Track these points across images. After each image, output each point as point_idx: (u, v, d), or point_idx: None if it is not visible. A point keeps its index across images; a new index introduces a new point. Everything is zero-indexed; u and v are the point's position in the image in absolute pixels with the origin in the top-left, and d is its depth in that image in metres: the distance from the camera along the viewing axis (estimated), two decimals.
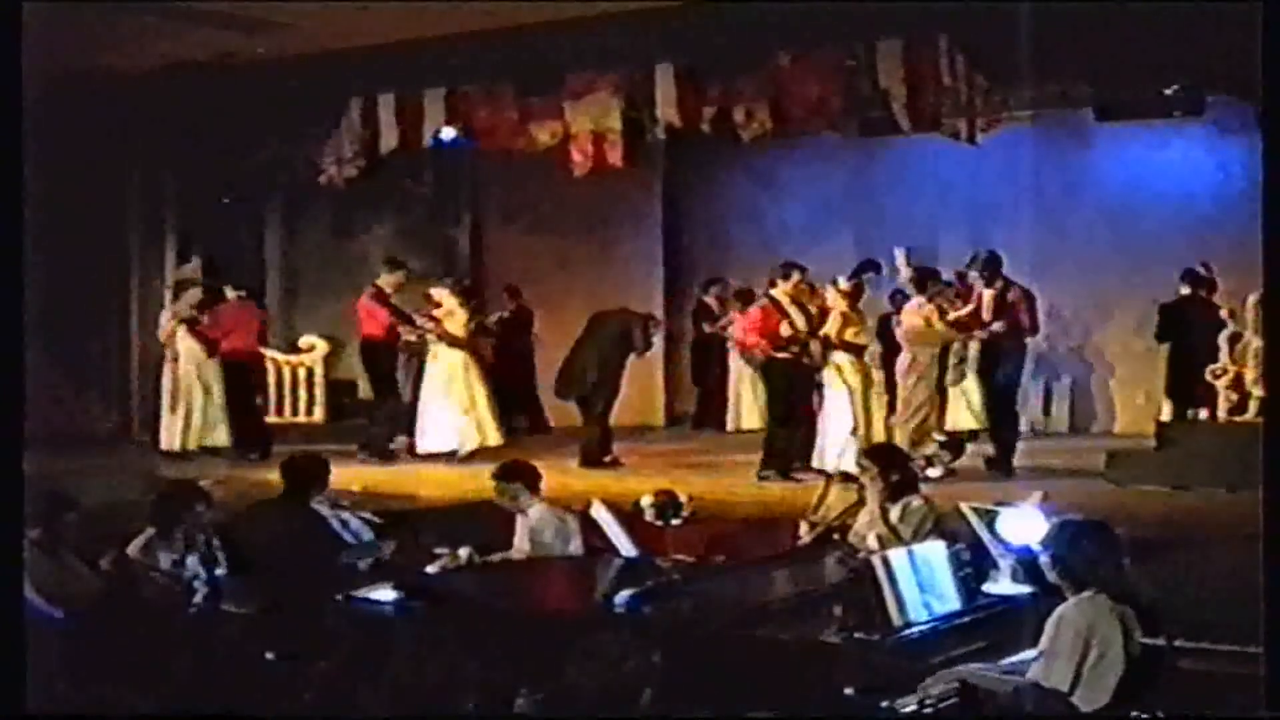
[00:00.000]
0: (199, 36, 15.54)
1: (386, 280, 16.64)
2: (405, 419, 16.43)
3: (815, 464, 14.54)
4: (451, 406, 16.14)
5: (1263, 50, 6.69)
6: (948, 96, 14.34)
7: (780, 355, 14.96)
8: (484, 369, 16.69)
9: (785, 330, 14.88)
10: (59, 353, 16.09)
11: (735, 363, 18.81)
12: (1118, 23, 13.12)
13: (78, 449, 15.29)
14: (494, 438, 16.16)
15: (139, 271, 18.72)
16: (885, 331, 18.44)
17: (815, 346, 14.74)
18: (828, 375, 14.66)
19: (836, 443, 14.42)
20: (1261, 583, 6.33)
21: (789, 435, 14.93)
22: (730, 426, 19.03)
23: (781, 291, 15.06)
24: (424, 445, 16.24)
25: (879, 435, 14.08)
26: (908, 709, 6.74)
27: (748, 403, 18.83)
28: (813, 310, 14.89)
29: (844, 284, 14.94)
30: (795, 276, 15.12)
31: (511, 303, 18.89)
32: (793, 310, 14.92)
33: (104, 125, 16.72)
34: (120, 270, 18.62)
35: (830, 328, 14.67)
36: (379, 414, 16.85)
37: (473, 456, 15.77)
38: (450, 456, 16.01)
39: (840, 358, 14.63)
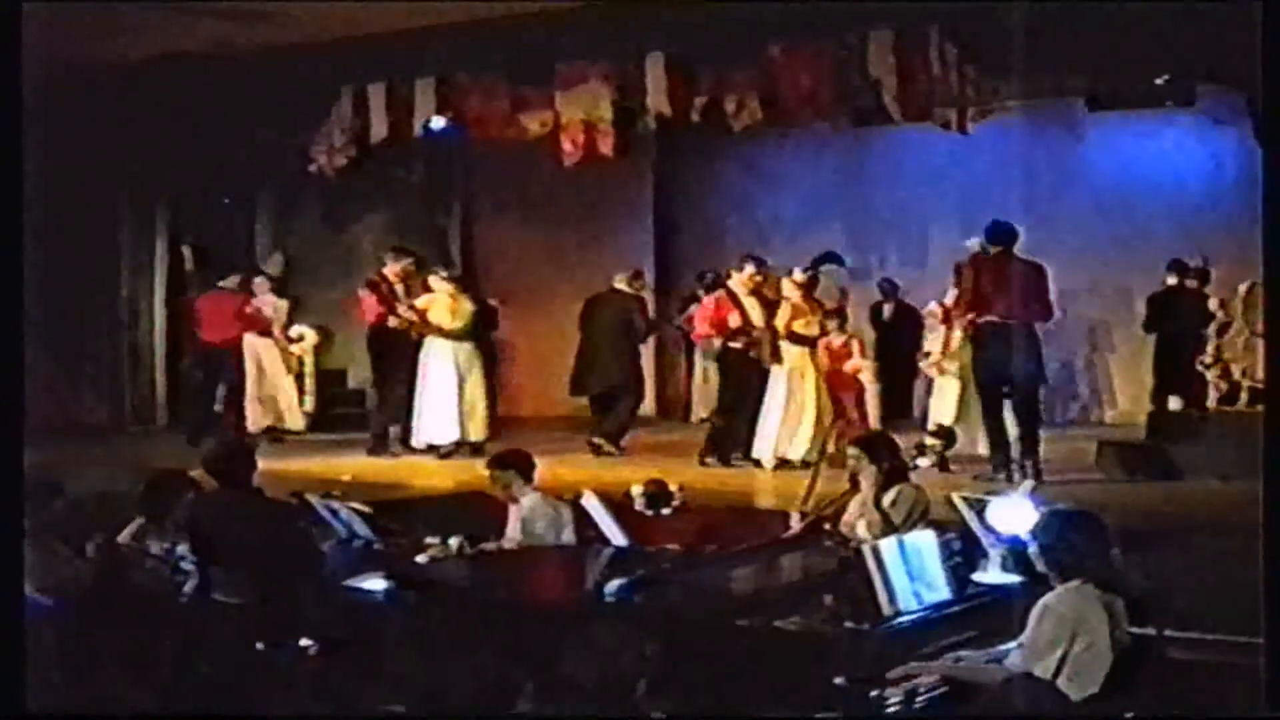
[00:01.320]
0: (189, 26, 15.50)
1: (391, 268, 16.65)
2: (402, 409, 16.38)
3: (754, 454, 14.79)
4: (439, 399, 16.07)
5: (1262, 41, 6.67)
6: (939, 86, 14.31)
7: (732, 345, 15.12)
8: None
9: (734, 321, 15.01)
10: (52, 342, 16.07)
11: (697, 354, 18.94)
12: (1109, 13, 13.11)
13: (70, 438, 15.29)
14: (476, 433, 16.12)
15: (130, 261, 18.70)
16: (876, 320, 18.53)
17: (757, 335, 14.91)
18: (775, 366, 14.81)
19: (769, 433, 14.67)
20: (1261, 577, 6.32)
21: (730, 424, 15.19)
22: (693, 417, 19.20)
23: (738, 282, 15.22)
24: (417, 439, 16.16)
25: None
26: (896, 699, 6.74)
27: (700, 393, 19.10)
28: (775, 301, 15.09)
29: (798, 275, 15.06)
30: (749, 268, 15.27)
31: None
32: (749, 302, 15.03)
33: (94, 115, 16.70)
34: (111, 259, 18.59)
35: (779, 319, 14.78)
36: (379, 404, 16.84)
37: (456, 450, 15.79)
38: (435, 450, 15.97)
39: (789, 349, 14.71)
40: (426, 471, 14.89)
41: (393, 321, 16.25)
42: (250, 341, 17.48)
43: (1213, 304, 15.21)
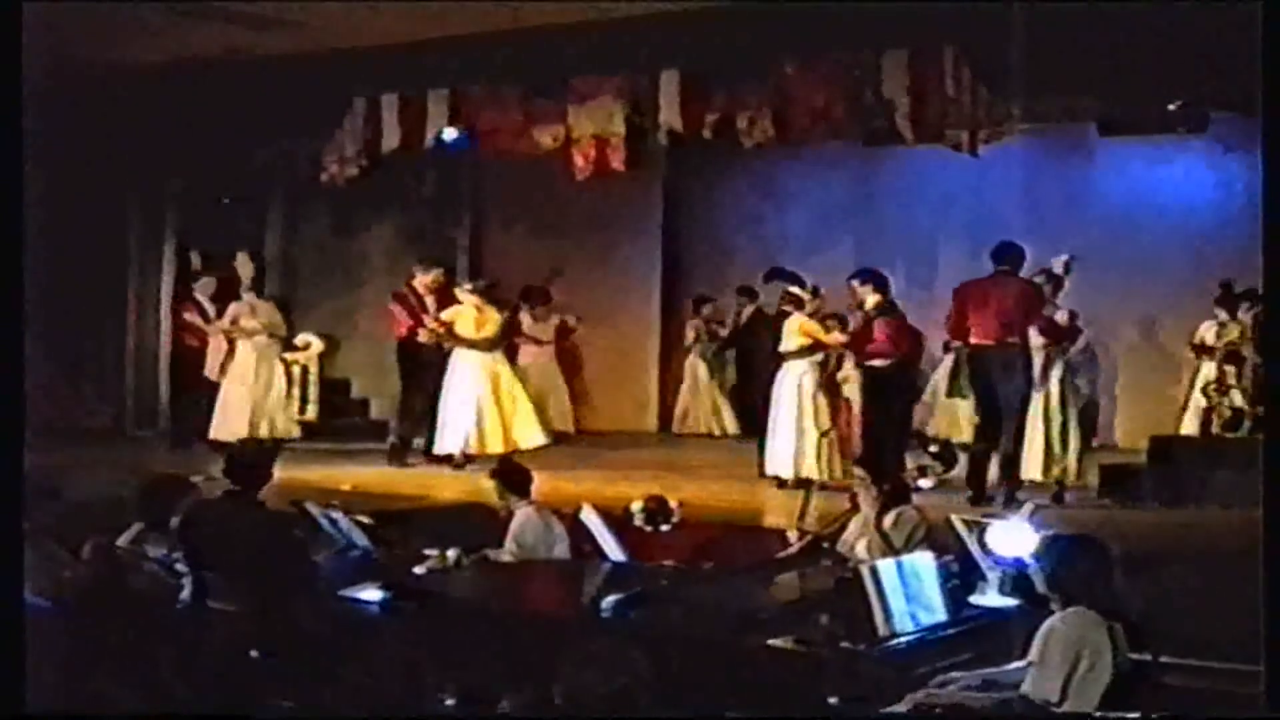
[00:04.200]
0: (202, 33, 15.50)
1: (420, 280, 16.63)
2: (424, 420, 16.36)
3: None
4: (462, 411, 16.01)
5: (1263, 62, 6.65)
6: (951, 108, 14.28)
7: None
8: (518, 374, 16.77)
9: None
10: (55, 346, 16.07)
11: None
12: (1122, 38, 13.10)
13: (72, 442, 15.26)
14: (494, 445, 15.99)
15: (137, 266, 18.71)
16: None
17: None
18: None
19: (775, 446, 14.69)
20: (1262, 587, 6.30)
21: None
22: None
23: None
24: (438, 448, 16.07)
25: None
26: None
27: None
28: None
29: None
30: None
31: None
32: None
33: (105, 120, 16.72)
34: (118, 264, 18.60)
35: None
36: (401, 416, 16.83)
37: (472, 461, 15.72)
38: (453, 460, 15.92)
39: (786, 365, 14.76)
40: (428, 483, 14.86)
41: (421, 335, 16.23)
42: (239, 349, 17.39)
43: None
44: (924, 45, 14.24)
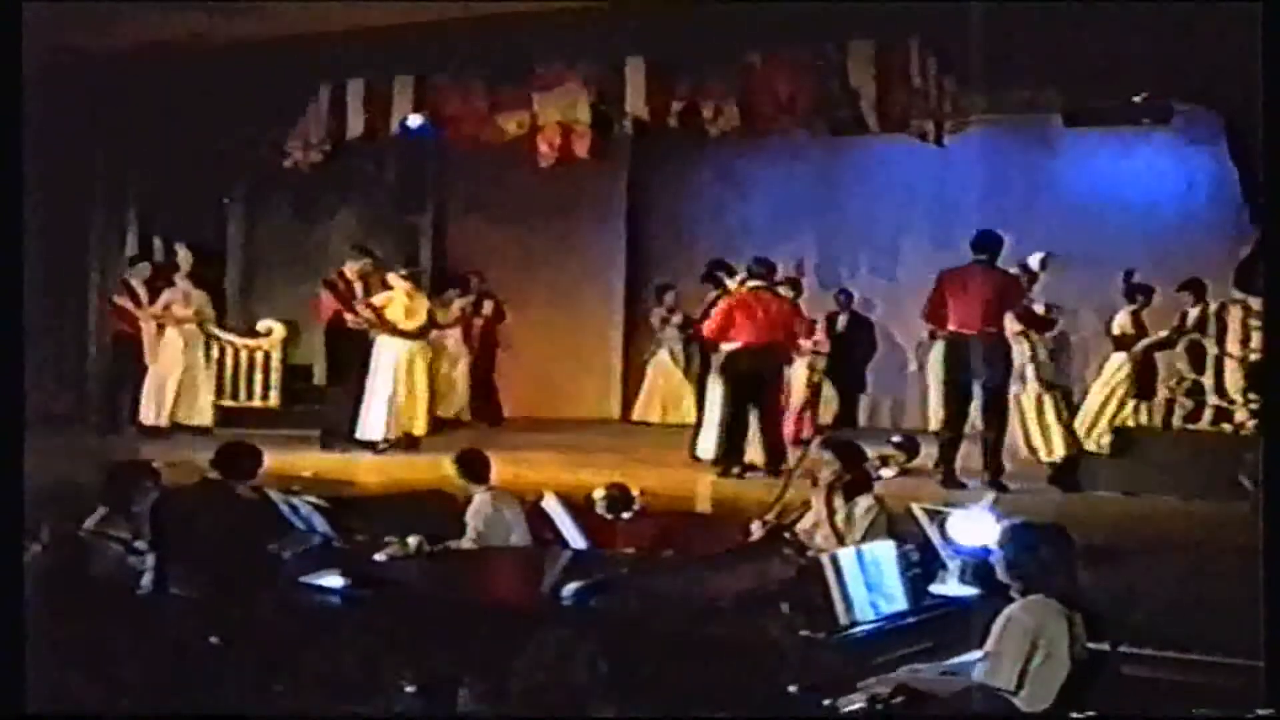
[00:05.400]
0: (168, 18, 15.43)
1: (350, 267, 16.66)
2: (350, 404, 16.41)
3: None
4: (385, 396, 16.08)
5: (1263, 55, 6.68)
6: (917, 98, 14.32)
7: None
8: (437, 358, 16.97)
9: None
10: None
11: None
12: (1087, 29, 13.14)
13: (32, 427, 15.15)
14: (418, 428, 16.21)
15: (98, 251, 18.61)
16: (831, 331, 18.51)
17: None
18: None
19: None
20: (1262, 586, 6.35)
21: None
22: None
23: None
24: (360, 433, 16.16)
25: None
26: (852, 708, 6.71)
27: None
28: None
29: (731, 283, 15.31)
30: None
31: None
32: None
33: (67, 106, 16.56)
34: (80, 249, 18.48)
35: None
36: (332, 401, 16.83)
37: (395, 446, 15.89)
38: (374, 446, 16.02)
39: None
40: (388, 469, 14.85)
41: (350, 320, 16.27)
42: (167, 334, 17.47)
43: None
44: (890, 36, 14.26)
